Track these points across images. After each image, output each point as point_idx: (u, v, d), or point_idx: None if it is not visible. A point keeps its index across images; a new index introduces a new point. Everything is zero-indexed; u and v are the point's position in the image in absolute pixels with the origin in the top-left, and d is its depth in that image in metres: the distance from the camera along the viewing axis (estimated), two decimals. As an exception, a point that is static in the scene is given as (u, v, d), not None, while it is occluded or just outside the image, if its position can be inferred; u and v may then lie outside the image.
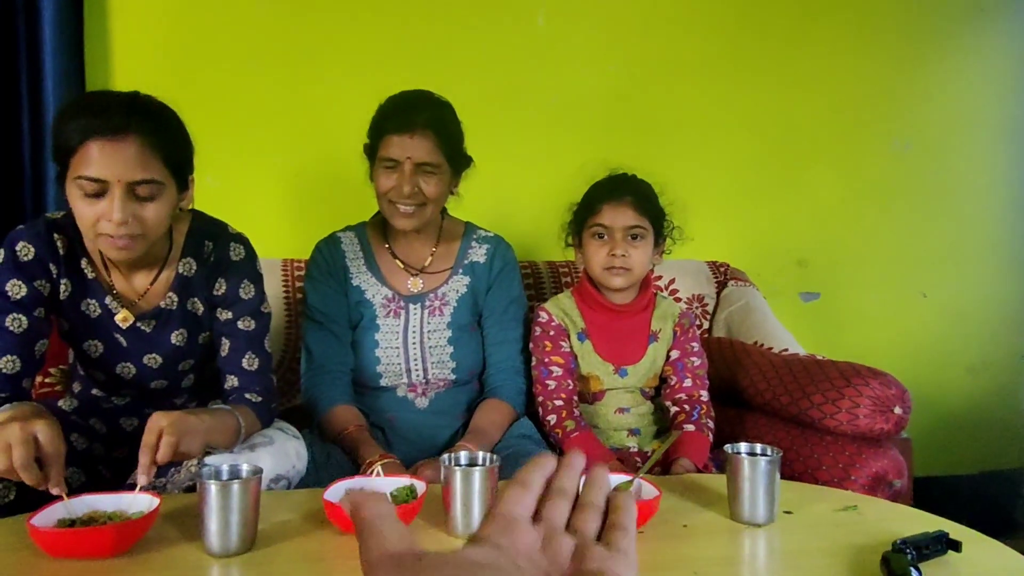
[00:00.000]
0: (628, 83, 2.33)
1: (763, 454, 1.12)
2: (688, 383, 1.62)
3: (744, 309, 2.13)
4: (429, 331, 1.60)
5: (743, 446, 1.14)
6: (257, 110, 2.13)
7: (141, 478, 1.04)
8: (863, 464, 1.47)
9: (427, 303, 1.62)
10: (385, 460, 1.30)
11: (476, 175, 1.65)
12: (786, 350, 1.91)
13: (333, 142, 2.16)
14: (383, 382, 1.59)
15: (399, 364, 1.59)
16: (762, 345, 1.96)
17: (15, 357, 1.21)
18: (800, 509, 1.16)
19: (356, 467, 1.37)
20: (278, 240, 2.09)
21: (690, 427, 1.53)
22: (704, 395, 1.62)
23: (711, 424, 1.58)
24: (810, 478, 1.50)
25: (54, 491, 1.01)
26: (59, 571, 0.89)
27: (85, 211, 1.17)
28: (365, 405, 1.58)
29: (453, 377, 1.61)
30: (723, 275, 2.25)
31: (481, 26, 2.24)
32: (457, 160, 1.57)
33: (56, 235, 1.26)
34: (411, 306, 1.61)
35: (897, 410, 1.48)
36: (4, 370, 1.20)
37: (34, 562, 0.91)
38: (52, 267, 1.26)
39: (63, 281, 1.28)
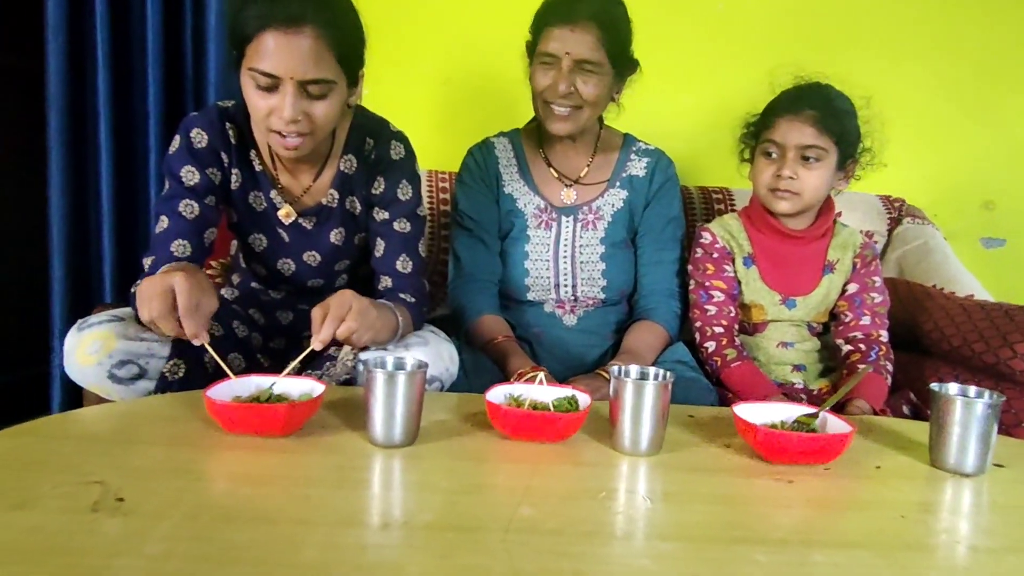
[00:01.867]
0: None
1: (978, 397, 0.97)
2: (866, 321, 1.46)
3: (921, 249, 1.92)
4: (581, 246, 1.52)
5: (953, 387, 0.99)
6: (407, 17, 2.07)
7: (317, 343, 1.06)
8: (1075, 425, 1.28)
9: (580, 216, 1.53)
10: (538, 371, 1.25)
11: (626, 88, 1.51)
12: (971, 296, 1.70)
13: (481, 52, 2.08)
14: (530, 296, 1.54)
15: (548, 278, 1.52)
16: (942, 289, 1.75)
17: (186, 242, 1.22)
18: (1014, 464, 1.01)
19: (505, 377, 1.33)
20: (423, 151, 2.04)
21: (867, 368, 1.38)
22: (884, 335, 1.46)
23: (890, 367, 1.42)
24: (1005, 435, 1.32)
25: (195, 341, 1.01)
26: (233, 444, 0.90)
27: (257, 103, 1.15)
28: (512, 318, 1.53)
29: (603, 296, 1.53)
30: (897, 211, 2.03)
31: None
32: (621, 62, 1.44)
33: (228, 124, 1.26)
34: (563, 218, 1.53)
35: (1125, 367, 1.27)
36: (176, 253, 1.22)
37: (208, 434, 0.92)
38: (224, 156, 1.26)
39: (234, 171, 1.28)
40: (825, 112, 1.38)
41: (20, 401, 2.02)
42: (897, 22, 2.11)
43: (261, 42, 1.10)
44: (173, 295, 0.99)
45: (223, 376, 1.04)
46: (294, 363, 1.06)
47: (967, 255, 2.16)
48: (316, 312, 1.09)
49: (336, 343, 1.28)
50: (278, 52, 1.10)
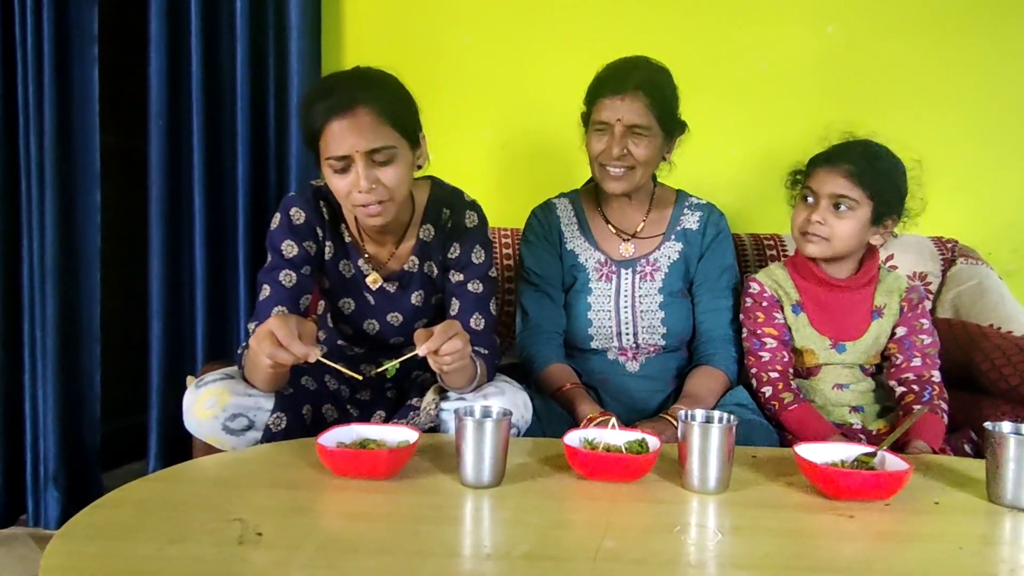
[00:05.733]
0: (849, 45, 2.18)
1: (1031, 434, 1.03)
2: (917, 362, 1.51)
3: (976, 289, 1.95)
4: (640, 296, 1.62)
5: (1006, 425, 1.05)
6: (469, 86, 2.24)
7: (422, 350, 1.15)
8: None
9: (638, 268, 1.63)
10: (609, 416, 1.34)
11: (676, 147, 1.62)
12: (1029, 335, 1.73)
13: (538, 115, 2.22)
14: (594, 344, 1.63)
15: (610, 327, 1.62)
16: (999, 329, 1.78)
17: (284, 308, 1.36)
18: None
19: (575, 421, 1.42)
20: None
21: (923, 408, 1.43)
22: (936, 376, 1.51)
23: (944, 407, 1.47)
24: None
25: (310, 359, 1.13)
26: (342, 486, 1.01)
27: (338, 185, 1.30)
28: (577, 365, 1.62)
29: (663, 343, 1.62)
30: (950, 252, 2.07)
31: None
32: (670, 124, 1.56)
33: (321, 201, 1.41)
34: (623, 271, 1.64)
35: None
36: None
37: (318, 477, 1.04)
38: (319, 230, 1.41)
39: (327, 243, 1.43)
40: (862, 167, 1.46)
41: (123, 447, 2.20)
42: (936, 73, 2.16)
43: (329, 132, 1.26)
44: (273, 336, 1.11)
45: (320, 427, 1.16)
46: (395, 362, 1.20)
47: (1022, 294, 2.18)
48: (420, 332, 1.18)
49: (419, 393, 1.41)
50: (342, 134, 1.26)
